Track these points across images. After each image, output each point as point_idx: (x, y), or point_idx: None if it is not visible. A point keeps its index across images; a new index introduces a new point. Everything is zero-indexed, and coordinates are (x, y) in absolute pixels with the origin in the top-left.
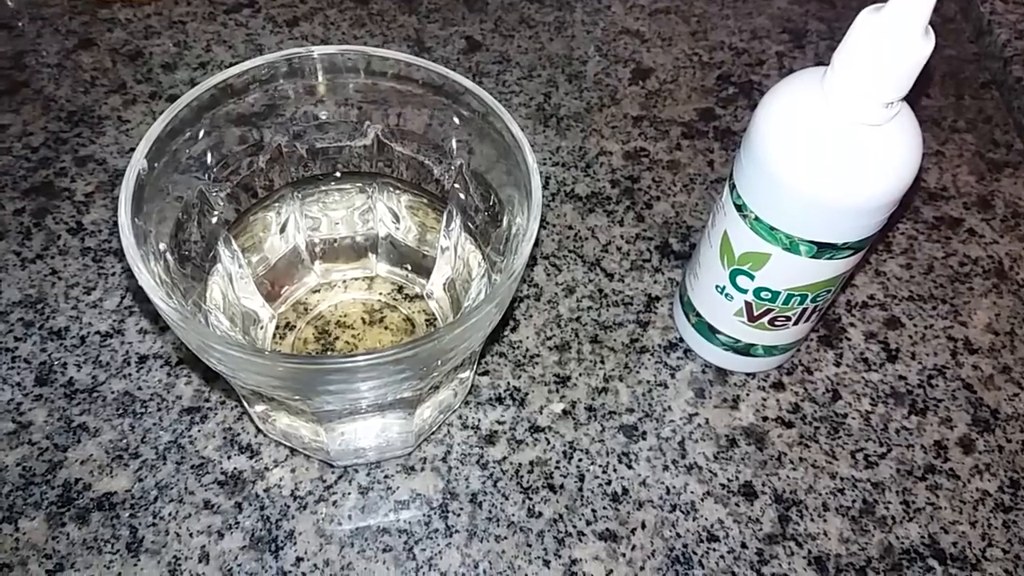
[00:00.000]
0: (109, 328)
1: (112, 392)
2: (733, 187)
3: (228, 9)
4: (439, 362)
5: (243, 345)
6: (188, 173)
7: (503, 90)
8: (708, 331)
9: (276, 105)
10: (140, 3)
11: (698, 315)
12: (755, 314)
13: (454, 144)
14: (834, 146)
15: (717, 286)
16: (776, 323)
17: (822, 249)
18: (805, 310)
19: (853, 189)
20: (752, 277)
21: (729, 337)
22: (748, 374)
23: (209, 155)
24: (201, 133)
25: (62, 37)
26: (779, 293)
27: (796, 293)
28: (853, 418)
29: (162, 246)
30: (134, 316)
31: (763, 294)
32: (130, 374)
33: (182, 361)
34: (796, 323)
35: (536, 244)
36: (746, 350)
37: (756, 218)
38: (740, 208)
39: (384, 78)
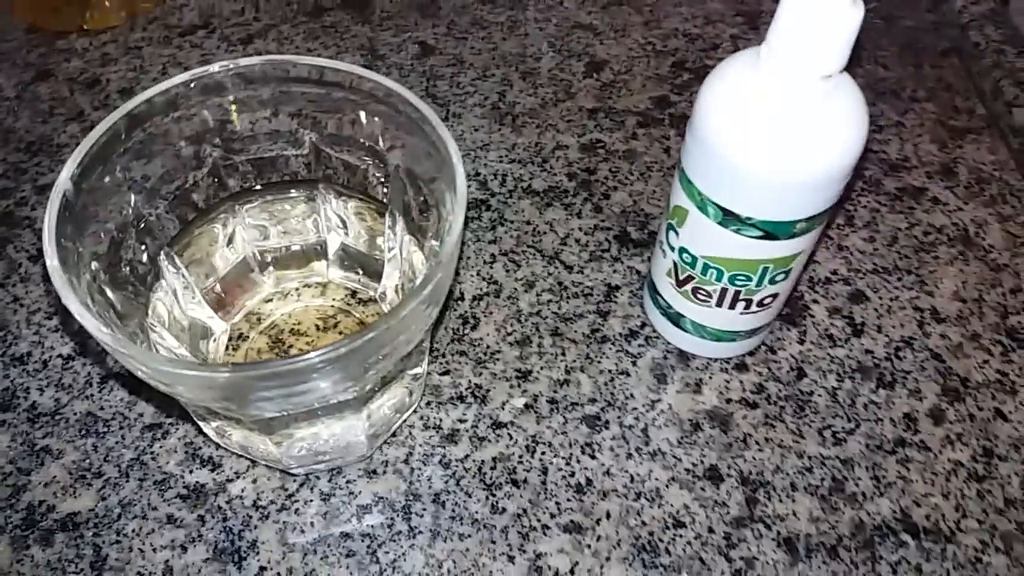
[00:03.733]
0: (71, 351)
1: (75, 413)
2: (683, 171)
3: (183, 32)
4: (376, 359)
5: (157, 356)
6: (121, 192)
7: (458, 91)
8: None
9: (206, 119)
10: (97, 32)
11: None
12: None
13: (384, 144)
14: (773, 122)
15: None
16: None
17: (727, 216)
18: (736, 292)
19: (794, 164)
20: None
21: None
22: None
23: (142, 173)
24: (131, 152)
25: (20, 70)
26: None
27: (720, 267)
28: (819, 395)
29: (95, 265)
30: None
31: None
32: (92, 395)
33: None
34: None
35: (494, 242)
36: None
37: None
38: (686, 185)
39: (306, 84)
